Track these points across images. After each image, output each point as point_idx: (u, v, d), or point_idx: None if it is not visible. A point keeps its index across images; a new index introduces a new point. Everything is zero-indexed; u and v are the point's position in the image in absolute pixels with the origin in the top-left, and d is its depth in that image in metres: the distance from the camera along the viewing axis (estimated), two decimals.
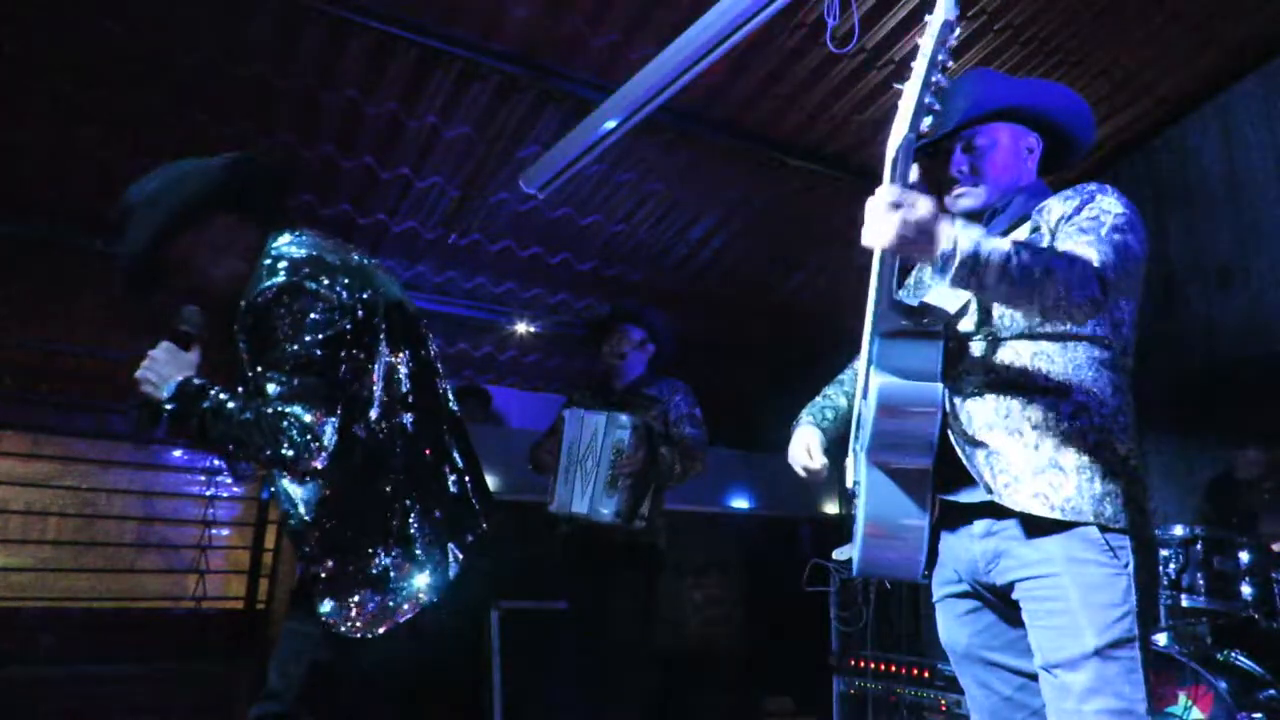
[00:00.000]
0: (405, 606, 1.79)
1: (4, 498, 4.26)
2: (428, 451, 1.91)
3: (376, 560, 1.80)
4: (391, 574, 1.80)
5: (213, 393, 1.76)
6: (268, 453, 1.70)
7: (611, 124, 3.31)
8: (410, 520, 1.83)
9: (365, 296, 1.85)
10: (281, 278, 1.77)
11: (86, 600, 4.23)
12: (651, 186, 4.40)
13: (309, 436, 1.70)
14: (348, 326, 1.79)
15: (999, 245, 1.44)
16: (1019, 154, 1.80)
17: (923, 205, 1.41)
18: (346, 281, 1.83)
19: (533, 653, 3.89)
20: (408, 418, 1.89)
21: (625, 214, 4.57)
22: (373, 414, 1.84)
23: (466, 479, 1.99)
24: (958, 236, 1.42)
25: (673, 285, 5.06)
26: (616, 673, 3.26)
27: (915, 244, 1.42)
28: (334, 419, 1.75)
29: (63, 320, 4.33)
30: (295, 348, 1.73)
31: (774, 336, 5.80)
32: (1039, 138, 1.83)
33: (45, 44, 3.20)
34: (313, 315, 1.75)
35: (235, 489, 4.72)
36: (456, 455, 1.99)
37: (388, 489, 1.83)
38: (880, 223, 1.41)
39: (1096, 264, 1.50)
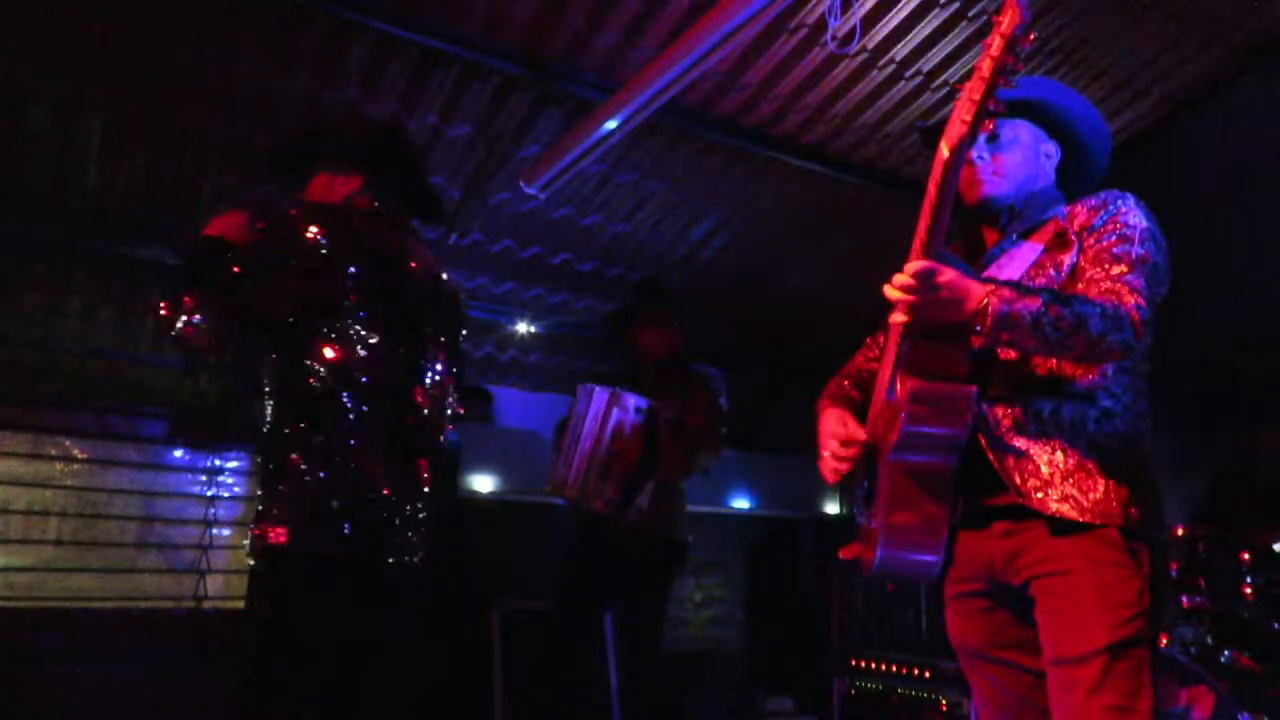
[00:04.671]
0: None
1: (5, 498, 4.25)
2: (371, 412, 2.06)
3: (271, 485, 2.02)
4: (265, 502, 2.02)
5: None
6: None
7: (612, 124, 3.31)
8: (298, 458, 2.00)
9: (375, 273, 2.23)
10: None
11: (87, 600, 4.23)
12: (652, 186, 4.39)
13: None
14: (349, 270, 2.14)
15: (1028, 302, 1.48)
16: (1038, 155, 1.85)
17: (949, 271, 1.46)
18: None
19: (534, 652, 3.89)
20: (363, 379, 2.06)
21: (626, 214, 4.57)
22: (329, 352, 2.06)
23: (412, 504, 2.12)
24: (989, 297, 1.46)
25: (673, 285, 5.05)
26: (622, 669, 3.20)
27: (946, 308, 1.47)
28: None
29: (63, 320, 4.33)
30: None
31: (774, 336, 5.80)
32: (1057, 147, 1.88)
33: (46, 44, 3.20)
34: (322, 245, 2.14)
35: (236, 489, 4.71)
36: (423, 464, 2.15)
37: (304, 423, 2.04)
38: (912, 292, 1.46)
39: (1131, 304, 1.54)
